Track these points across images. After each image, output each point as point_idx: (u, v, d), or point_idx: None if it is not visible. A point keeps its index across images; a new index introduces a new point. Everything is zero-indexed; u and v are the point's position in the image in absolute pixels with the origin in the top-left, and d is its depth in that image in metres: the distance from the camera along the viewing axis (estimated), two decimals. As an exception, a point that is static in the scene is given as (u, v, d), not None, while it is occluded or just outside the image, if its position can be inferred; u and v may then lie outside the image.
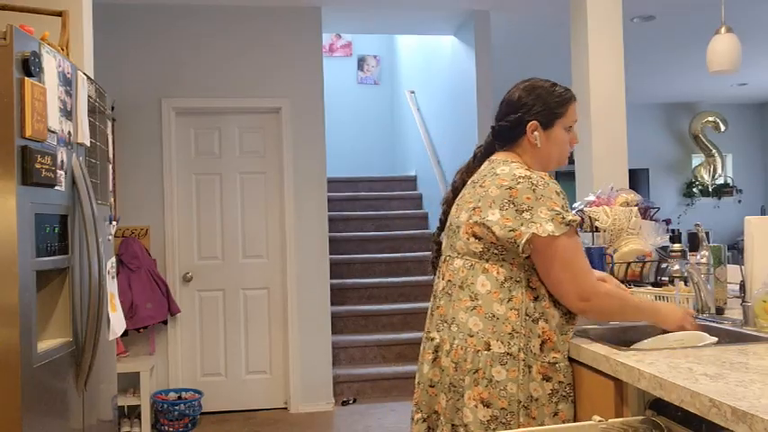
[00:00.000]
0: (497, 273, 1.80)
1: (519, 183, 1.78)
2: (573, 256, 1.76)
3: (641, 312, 1.89)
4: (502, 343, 1.76)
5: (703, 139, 9.93)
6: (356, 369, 5.39)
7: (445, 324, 1.86)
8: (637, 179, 9.36)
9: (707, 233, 2.47)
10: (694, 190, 9.99)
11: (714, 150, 9.92)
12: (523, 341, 1.76)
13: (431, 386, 1.89)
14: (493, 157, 1.97)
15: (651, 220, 3.16)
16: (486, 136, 2.05)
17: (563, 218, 1.75)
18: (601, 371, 1.72)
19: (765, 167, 10.26)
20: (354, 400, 5.25)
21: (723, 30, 3.66)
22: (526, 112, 1.91)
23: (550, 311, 1.79)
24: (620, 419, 1.51)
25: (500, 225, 1.77)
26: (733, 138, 10.08)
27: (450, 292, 1.88)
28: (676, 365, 1.52)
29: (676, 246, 2.73)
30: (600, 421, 1.50)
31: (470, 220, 1.84)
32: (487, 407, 1.74)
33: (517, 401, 1.74)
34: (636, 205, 3.15)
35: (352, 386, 5.32)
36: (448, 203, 2.07)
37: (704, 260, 2.29)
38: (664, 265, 2.91)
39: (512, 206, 1.77)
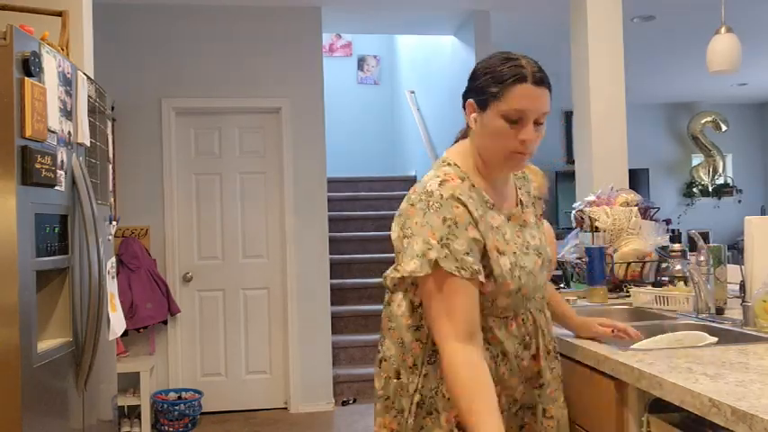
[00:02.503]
0: (414, 295, 1.56)
1: (419, 201, 1.50)
2: (438, 303, 1.43)
3: (462, 405, 1.36)
4: (408, 375, 1.55)
5: (703, 140, 9.93)
6: (356, 369, 5.39)
7: (381, 339, 1.66)
8: (637, 179, 9.36)
9: (707, 233, 2.47)
10: (694, 190, 9.99)
11: (714, 150, 9.92)
12: (422, 381, 1.52)
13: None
14: (442, 157, 1.66)
15: (651, 220, 3.16)
16: None
17: (431, 254, 1.43)
18: (601, 371, 1.72)
19: (765, 167, 10.26)
20: (354, 400, 5.25)
21: (723, 30, 3.66)
22: (467, 89, 1.56)
23: None
24: None
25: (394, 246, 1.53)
26: (733, 138, 10.08)
27: (385, 304, 1.67)
28: (676, 365, 1.52)
29: (676, 246, 2.73)
30: None
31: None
32: None
33: None
34: (636, 205, 3.15)
35: (352, 386, 5.32)
36: None
37: (702, 264, 2.29)
38: (664, 265, 2.91)
39: (402, 229, 1.51)
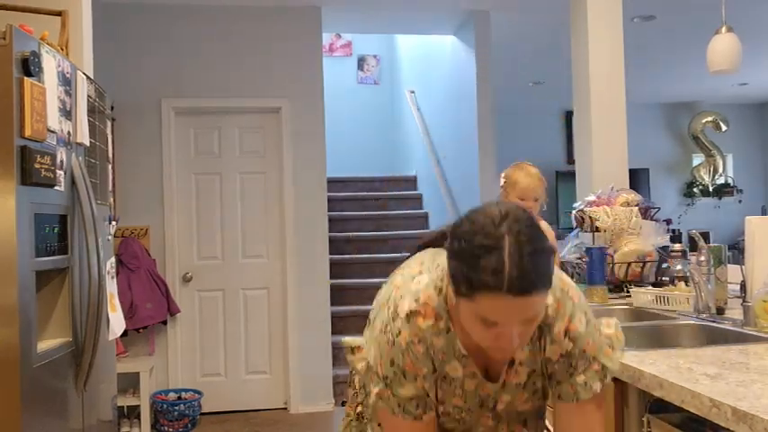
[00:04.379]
0: None
1: (385, 314, 1.33)
2: (383, 424, 1.40)
3: None
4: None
5: (703, 139, 9.93)
6: (356, 369, 5.38)
7: (349, 382, 1.67)
8: (637, 179, 9.35)
9: (707, 233, 2.47)
10: (695, 190, 9.98)
11: (714, 150, 9.92)
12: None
13: None
14: (417, 257, 1.46)
15: (651, 220, 3.16)
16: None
17: (373, 389, 1.34)
18: (601, 371, 1.71)
19: (765, 167, 10.25)
20: (354, 401, 5.24)
21: (723, 30, 3.66)
22: (447, 249, 1.23)
23: None
24: None
25: None
26: (733, 138, 10.08)
27: None
28: (677, 365, 1.52)
29: (677, 246, 2.73)
30: None
31: None
32: None
33: None
34: (636, 205, 3.15)
35: (352, 386, 5.31)
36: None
37: (703, 264, 2.29)
38: (664, 265, 2.91)
39: (371, 314, 1.39)
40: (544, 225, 2.38)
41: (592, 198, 3.27)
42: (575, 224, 3.28)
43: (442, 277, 1.32)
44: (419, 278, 1.34)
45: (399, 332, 1.29)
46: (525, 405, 1.40)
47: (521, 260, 1.11)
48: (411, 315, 1.29)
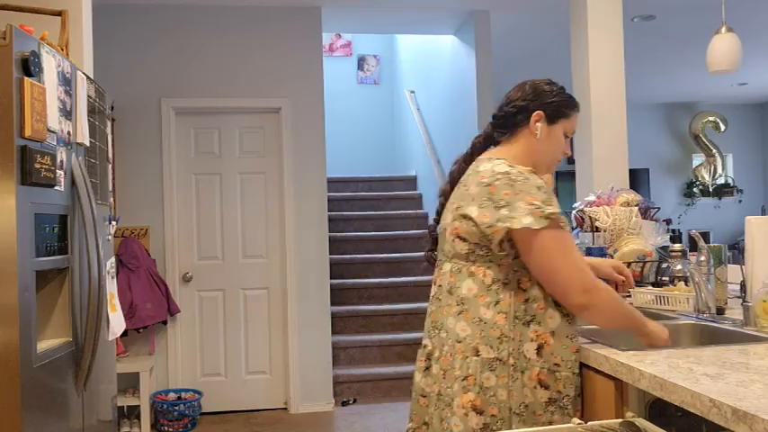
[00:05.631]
0: (484, 275, 1.74)
1: (497, 179, 1.73)
2: (565, 248, 1.68)
3: (634, 319, 1.77)
4: (491, 348, 1.69)
5: (703, 139, 9.93)
6: (356, 369, 5.39)
7: (435, 330, 1.81)
8: (637, 179, 9.36)
9: (707, 233, 2.47)
10: (695, 190, 9.99)
11: (714, 150, 9.92)
12: (514, 345, 1.69)
13: (422, 395, 1.83)
14: (480, 157, 1.92)
15: (651, 220, 3.16)
16: (486, 126, 1.99)
17: (542, 211, 1.67)
18: (601, 371, 1.72)
19: (765, 167, 10.25)
20: (354, 401, 5.25)
21: (723, 29, 3.66)
22: (533, 100, 1.87)
23: (545, 313, 1.71)
24: (599, 422, 1.49)
25: (478, 221, 1.72)
26: (733, 138, 10.08)
27: (439, 297, 1.83)
28: (677, 366, 1.52)
29: (677, 246, 2.73)
30: (579, 424, 1.49)
31: (454, 221, 1.79)
32: (479, 414, 1.67)
33: (508, 408, 1.67)
34: (636, 205, 3.15)
35: (352, 386, 5.32)
36: (445, 195, 1.98)
37: (703, 264, 2.29)
38: (664, 265, 2.91)
39: (490, 203, 1.71)
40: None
41: (592, 198, 3.27)
42: (575, 224, 3.28)
43: (492, 157, 1.86)
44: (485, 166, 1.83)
45: (520, 172, 1.73)
46: None
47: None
48: (512, 166, 1.77)
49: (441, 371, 1.75)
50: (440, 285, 1.84)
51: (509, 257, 1.73)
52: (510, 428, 1.66)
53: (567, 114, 1.88)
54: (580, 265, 1.68)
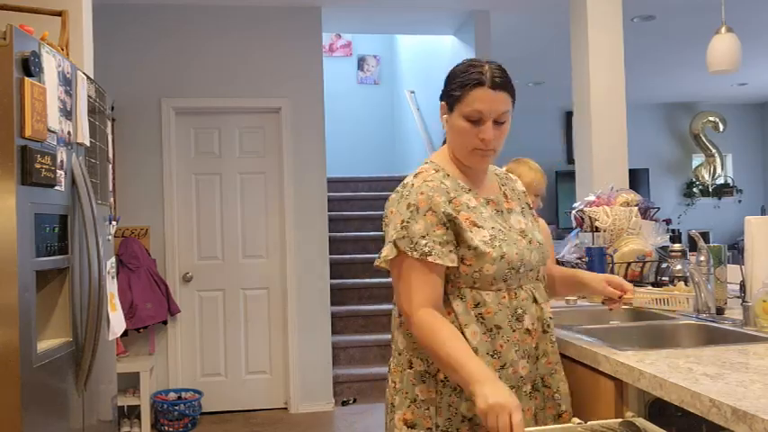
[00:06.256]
0: None
1: (397, 192, 1.69)
2: (401, 275, 1.60)
3: (451, 369, 1.49)
4: (421, 360, 1.64)
5: (703, 139, 9.93)
6: (356, 369, 5.39)
7: (393, 341, 1.77)
8: (637, 179, 9.36)
9: (707, 233, 2.47)
10: (694, 190, 9.99)
11: (714, 150, 9.92)
12: None
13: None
14: None
15: (651, 220, 3.16)
16: None
17: (393, 237, 1.60)
18: (601, 371, 1.72)
19: (765, 167, 10.26)
20: (354, 400, 5.25)
21: (723, 30, 3.66)
22: (441, 93, 1.75)
23: (468, 330, 1.60)
24: (599, 422, 1.50)
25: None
26: (733, 138, 10.08)
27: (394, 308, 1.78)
28: (676, 365, 1.52)
29: (676, 246, 2.73)
30: (579, 423, 1.49)
31: None
32: (412, 428, 1.63)
33: (435, 425, 1.61)
34: (636, 205, 3.15)
35: (352, 386, 5.32)
36: None
37: (703, 264, 2.29)
38: (664, 265, 2.91)
39: (384, 219, 1.69)
40: (542, 223, 2.38)
41: (592, 198, 3.27)
42: (574, 224, 3.28)
43: (426, 159, 1.79)
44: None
45: (413, 185, 1.65)
46: (533, 255, 1.71)
47: (497, 70, 1.64)
48: (416, 175, 1.69)
49: (392, 382, 1.72)
50: None
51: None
52: None
53: (459, 97, 1.65)
54: (404, 300, 1.59)
